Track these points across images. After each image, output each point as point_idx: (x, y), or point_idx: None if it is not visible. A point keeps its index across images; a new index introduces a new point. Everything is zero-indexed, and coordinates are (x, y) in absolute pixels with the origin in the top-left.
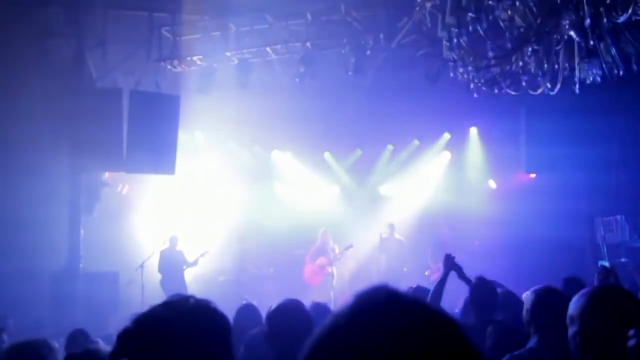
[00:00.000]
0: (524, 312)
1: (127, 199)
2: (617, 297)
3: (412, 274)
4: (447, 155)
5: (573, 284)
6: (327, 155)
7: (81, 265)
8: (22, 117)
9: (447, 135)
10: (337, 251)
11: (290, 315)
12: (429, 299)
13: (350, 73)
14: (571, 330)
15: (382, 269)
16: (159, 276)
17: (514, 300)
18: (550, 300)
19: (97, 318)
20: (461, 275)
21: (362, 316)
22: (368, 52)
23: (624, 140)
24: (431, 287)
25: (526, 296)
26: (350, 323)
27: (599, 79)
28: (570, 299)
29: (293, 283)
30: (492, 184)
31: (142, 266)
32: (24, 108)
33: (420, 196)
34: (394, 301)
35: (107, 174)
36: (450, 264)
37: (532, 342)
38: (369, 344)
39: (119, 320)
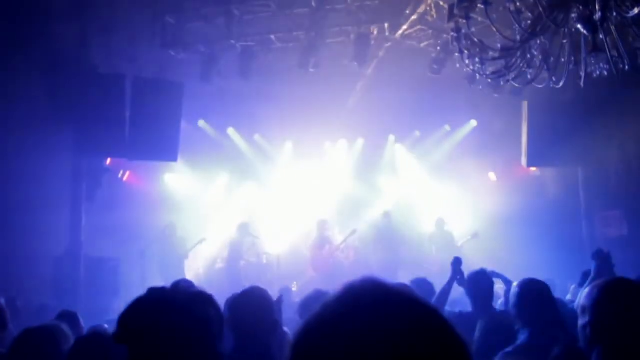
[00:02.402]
0: (511, 306)
1: (129, 185)
2: (629, 290)
3: (411, 266)
4: (447, 146)
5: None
6: (327, 144)
7: (82, 251)
8: (24, 102)
9: (447, 127)
10: (336, 240)
11: (252, 304)
12: (435, 299)
13: (354, 63)
14: (582, 321)
15: (380, 259)
16: (159, 262)
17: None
18: (536, 293)
19: (98, 303)
20: (461, 281)
21: (348, 305)
22: (372, 42)
23: (625, 135)
24: (430, 280)
25: (512, 290)
26: (338, 312)
27: (605, 73)
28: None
29: (291, 271)
30: (492, 176)
31: (143, 252)
32: (26, 93)
33: (419, 187)
34: (380, 292)
35: (109, 160)
36: (458, 268)
37: (522, 337)
38: (354, 332)
39: (120, 306)
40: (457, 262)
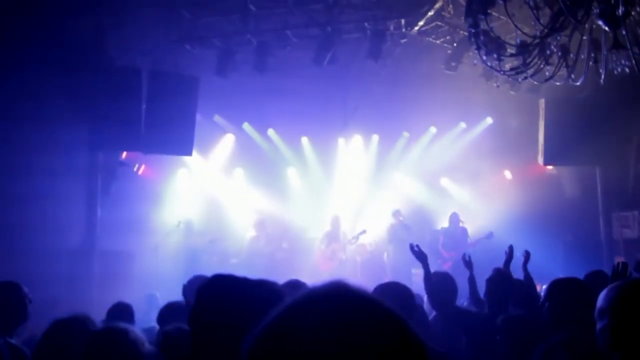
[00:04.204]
0: (547, 305)
1: (144, 179)
2: None
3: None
4: (462, 143)
5: (596, 277)
6: (341, 140)
7: (97, 244)
8: (41, 95)
9: (462, 125)
10: (348, 237)
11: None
12: (425, 290)
13: (369, 59)
14: (600, 324)
15: (393, 257)
16: (174, 256)
17: (528, 293)
18: (573, 290)
19: (112, 297)
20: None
21: (307, 311)
22: (388, 38)
23: None
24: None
25: (549, 288)
26: (295, 318)
27: (627, 70)
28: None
29: (305, 267)
30: (508, 174)
31: (157, 246)
32: (43, 86)
33: (433, 184)
34: (344, 295)
35: (124, 154)
36: (417, 255)
37: (558, 334)
38: (311, 338)
39: (134, 300)
40: (416, 254)
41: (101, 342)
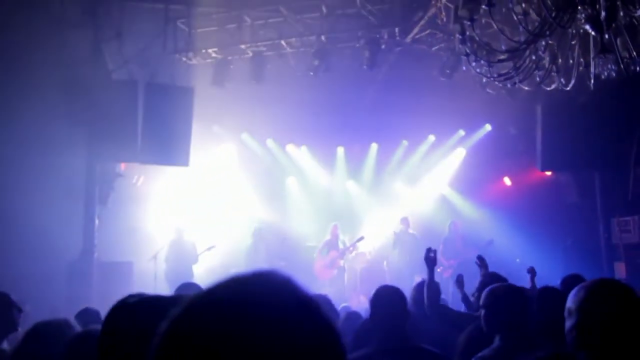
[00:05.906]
0: (483, 313)
1: (142, 190)
2: (616, 291)
3: (424, 271)
4: (461, 151)
5: (573, 281)
6: (339, 149)
7: (95, 255)
8: (38, 107)
9: (461, 132)
10: (347, 244)
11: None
12: (425, 296)
13: (364, 67)
14: (568, 324)
15: (393, 265)
16: (173, 266)
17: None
18: (507, 297)
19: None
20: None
21: (231, 291)
22: (383, 47)
23: None
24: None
25: (484, 294)
26: (218, 296)
27: (614, 74)
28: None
29: (305, 277)
30: (507, 181)
31: (155, 257)
32: (40, 99)
33: (433, 192)
34: (268, 282)
35: (122, 165)
36: (430, 259)
37: (495, 342)
38: (227, 318)
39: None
40: (428, 255)
41: (80, 345)
